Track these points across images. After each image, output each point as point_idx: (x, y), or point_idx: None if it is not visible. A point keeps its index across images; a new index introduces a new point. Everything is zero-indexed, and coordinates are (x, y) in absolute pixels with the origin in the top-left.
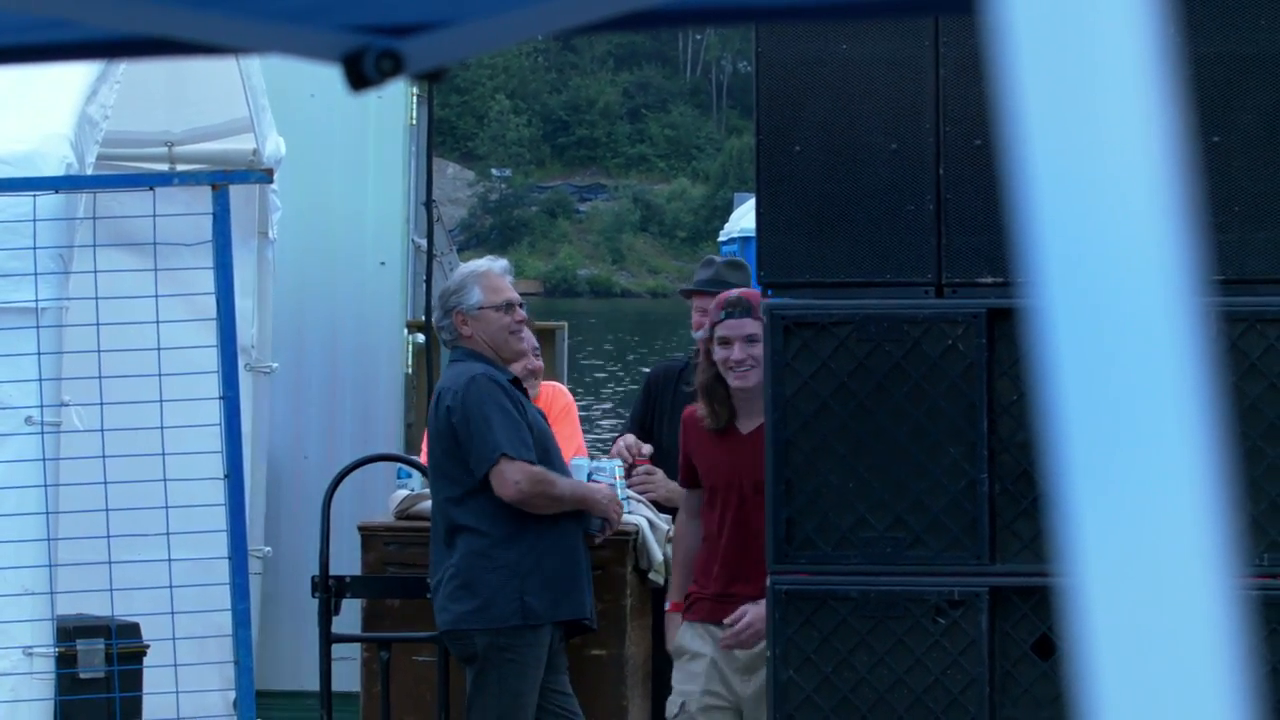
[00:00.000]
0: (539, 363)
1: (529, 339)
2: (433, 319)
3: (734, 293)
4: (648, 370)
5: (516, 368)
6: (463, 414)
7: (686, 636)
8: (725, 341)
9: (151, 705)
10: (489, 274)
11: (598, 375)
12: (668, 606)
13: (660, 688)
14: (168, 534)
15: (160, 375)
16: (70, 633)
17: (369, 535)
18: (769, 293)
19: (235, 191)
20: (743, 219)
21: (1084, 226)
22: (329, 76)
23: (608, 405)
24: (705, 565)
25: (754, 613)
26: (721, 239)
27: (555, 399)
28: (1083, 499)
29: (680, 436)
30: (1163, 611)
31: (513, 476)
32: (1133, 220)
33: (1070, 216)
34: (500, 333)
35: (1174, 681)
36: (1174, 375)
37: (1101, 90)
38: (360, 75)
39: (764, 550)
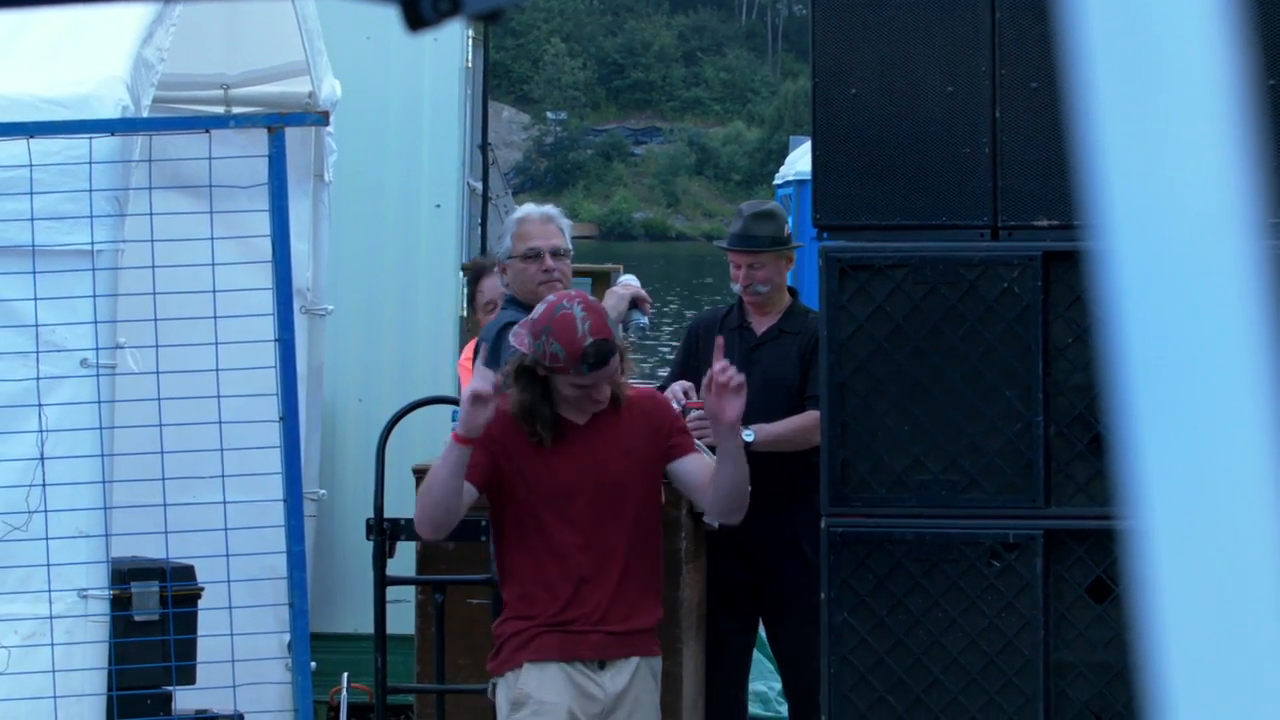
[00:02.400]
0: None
1: (561, 283)
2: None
3: (596, 340)
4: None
5: None
6: (484, 357)
7: (532, 681)
8: (583, 387)
9: (206, 648)
10: (524, 220)
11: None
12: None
13: (713, 630)
14: (223, 476)
15: (215, 318)
16: (125, 575)
17: (423, 477)
18: (824, 235)
19: (291, 134)
20: (798, 162)
21: (1147, 169)
22: (385, 19)
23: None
24: (549, 586)
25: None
26: (777, 182)
27: None
28: (1146, 444)
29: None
30: (1224, 556)
31: None
32: (1195, 162)
33: (1133, 159)
34: (526, 282)
35: (1234, 626)
36: (1236, 319)
37: (1164, 30)
38: (417, 16)
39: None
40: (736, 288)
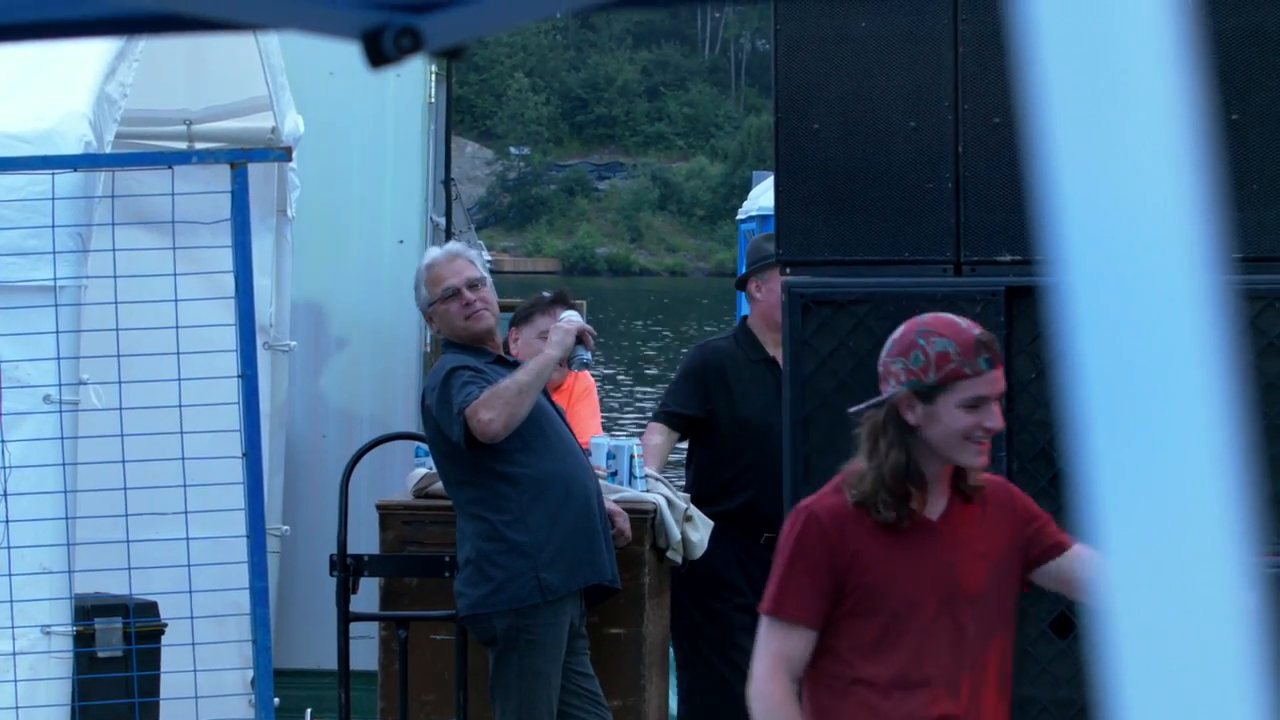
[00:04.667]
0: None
1: (487, 313)
2: None
3: (982, 331)
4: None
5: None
6: (434, 405)
7: None
8: (976, 404)
9: (169, 684)
10: (431, 265)
11: (638, 348)
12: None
13: (683, 667)
14: (186, 512)
15: (179, 353)
16: (88, 611)
17: (387, 514)
18: (787, 270)
19: (254, 170)
20: (761, 197)
21: (1105, 204)
22: (348, 54)
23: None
24: None
25: None
26: (740, 217)
27: (576, 380)
28: (1104, 478)
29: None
30: (1183, 589)
31: (483, 416)
32: (1154, 197)
33: (1092, 194)
34: (453, 321)
35: (1194, 659)
36: (1194, 353)
37: (1123, 67)
38: (379, 52)
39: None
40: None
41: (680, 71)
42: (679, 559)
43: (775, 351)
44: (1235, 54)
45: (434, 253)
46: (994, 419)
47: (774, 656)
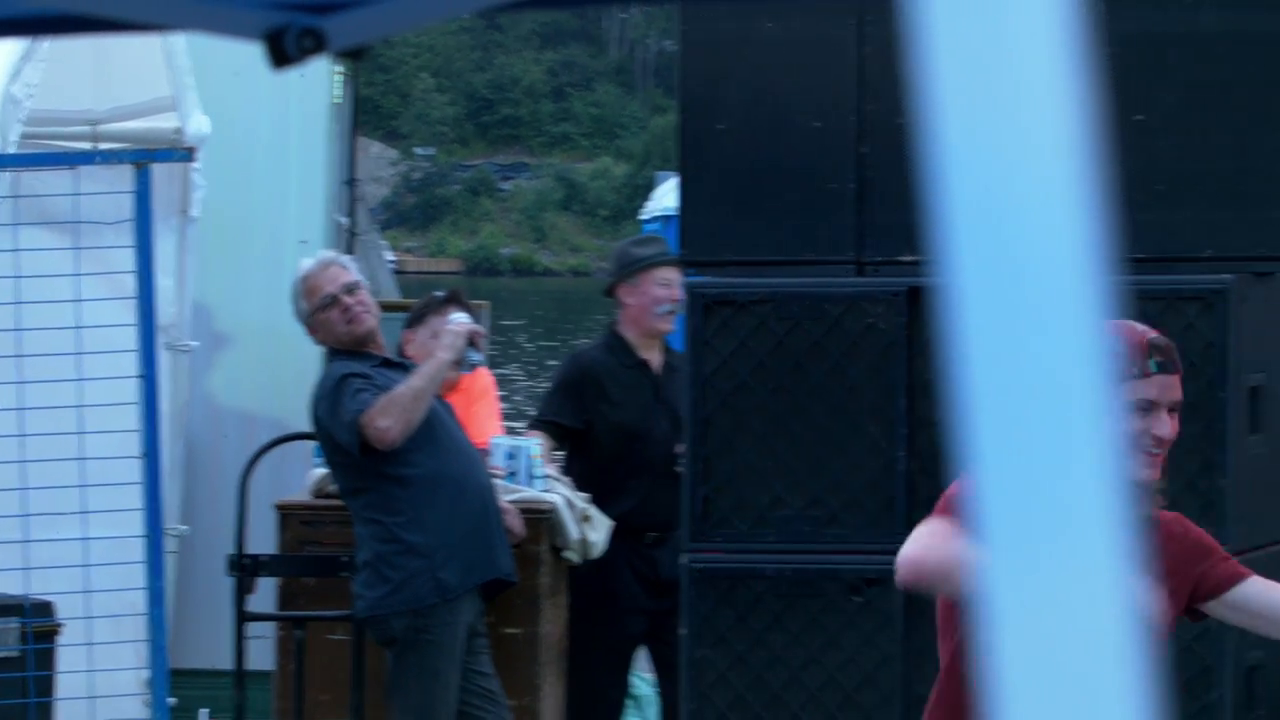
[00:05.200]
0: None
1: (368, 315)
2: None
3: (1159, 335)
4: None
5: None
6: (325, 415)
7: None
8: (1144, 409)
9: (65, 684)
10: (305, 277)
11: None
12: None
13: (576, 668)
14: (84, 512)
15: (79, 354)
16: None
17: (286, 514)
18: (691, 271)
19: (157, 170)
20: (665, 197)
21: (995, 204)
22: (253, 54)
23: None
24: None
25: None
26: (643, 217)
27: (474, 379)
28: (990, 479)
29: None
30: (1068, 589)
31: (379, 424)
32: (1044, 199)
33: (983, 195)
34: (334, 329)
35: (1076, 658)
36: (1081, 354)
37: (1016, 69)
38: (282, 53)
39: None
40: (662, 309)
41: (586, 72)
42: (577, 558)
43: (648, 355)
44: (1139, 56)
45: (306, 264)
46: (1164, 427)
47: (923, 529)
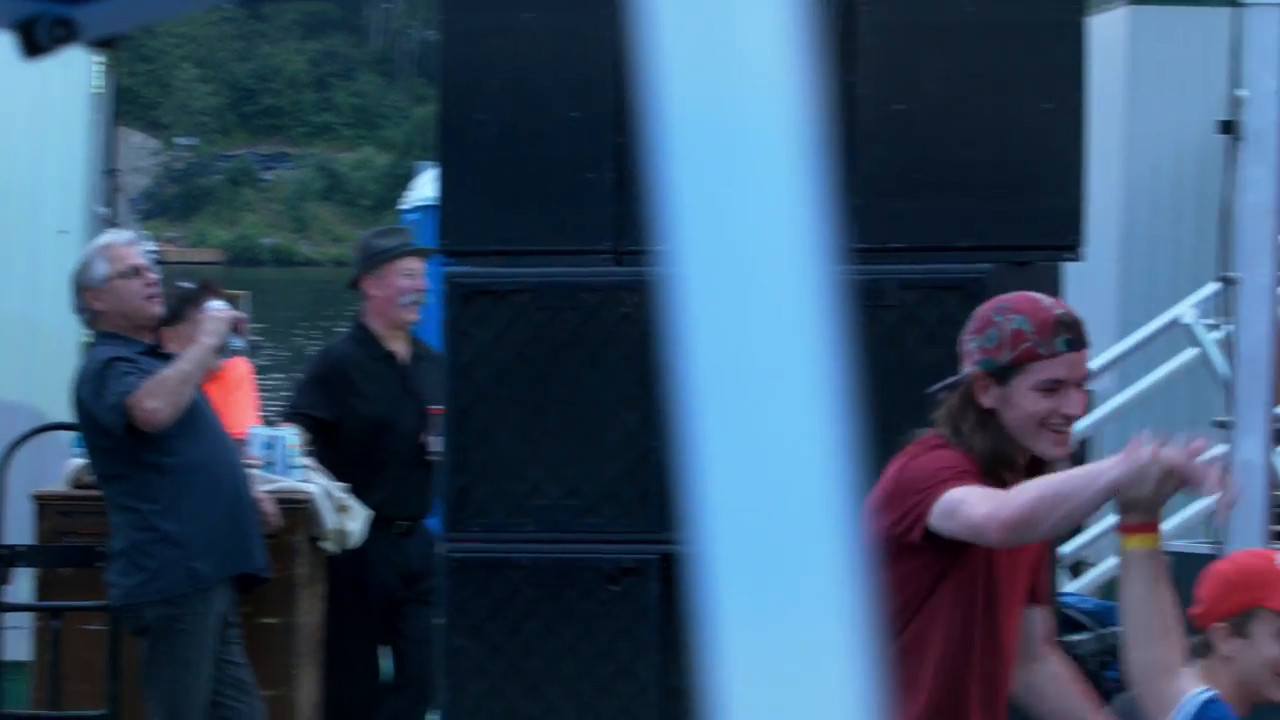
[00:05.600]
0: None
1: (160, 301)
2: (72, 304)
3: (1066, 310)
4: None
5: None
6: (89, 397)
7: None
8: (1052, 387)
9: None
10: (112, 245)
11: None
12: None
13: (331, 657)
14: None
15: None
16: None
17: (43, 504)
18: (450, 260)
19: None
20: (425, 187)
21: (720, 197)
22: (6, 44)
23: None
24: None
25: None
26: (403, 207)
27: (231, 368)
28: (710, 470)
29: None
30: (790, 588)
31: (148, 405)
32: (769, 188)
33: (707, 187)
34: (131, 299)
35: (798, 654)
36: (809, 346)
37: (743, 55)
38: (33, 42)
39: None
40: (407, 299)
41: (349, 62)
42: (334, 548)
43: (394, 346)
44: (902, 45)
45: (108, 234)
46: (1073, 405)
47: (977, 493)
